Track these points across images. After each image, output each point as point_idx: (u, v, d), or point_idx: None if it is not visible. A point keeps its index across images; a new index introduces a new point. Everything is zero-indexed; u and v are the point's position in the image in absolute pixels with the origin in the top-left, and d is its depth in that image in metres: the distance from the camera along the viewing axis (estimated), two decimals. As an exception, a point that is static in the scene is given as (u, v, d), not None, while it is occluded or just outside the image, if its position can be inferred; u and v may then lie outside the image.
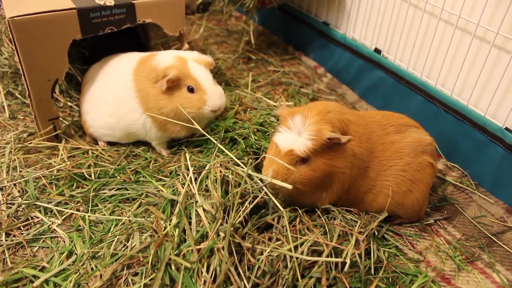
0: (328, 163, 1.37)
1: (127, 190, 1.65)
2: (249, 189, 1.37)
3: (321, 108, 1.40)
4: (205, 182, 1.42)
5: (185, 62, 1.68)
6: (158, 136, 1.78)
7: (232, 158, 1.49)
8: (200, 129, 1.61)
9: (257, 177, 1.39)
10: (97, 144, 1.91)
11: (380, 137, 1.50)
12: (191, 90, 1.67)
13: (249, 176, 1.40)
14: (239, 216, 1.30)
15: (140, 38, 2.39)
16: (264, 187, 1.37)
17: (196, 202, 1.35)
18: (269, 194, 1.36)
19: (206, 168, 1.45)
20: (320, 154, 1.35)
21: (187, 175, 1.47)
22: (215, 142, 1.54)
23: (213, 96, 1.69)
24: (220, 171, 1.43)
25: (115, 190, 1.65)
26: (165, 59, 1.69)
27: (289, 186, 1.32)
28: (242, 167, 1.45)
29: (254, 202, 1.34)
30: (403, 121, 1.56)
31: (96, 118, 1.81)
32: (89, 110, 1.83)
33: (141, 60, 1.75)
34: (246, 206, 1.33)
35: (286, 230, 1.31)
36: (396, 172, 1.48)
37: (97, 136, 1.87)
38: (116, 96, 1.75)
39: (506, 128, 1.69)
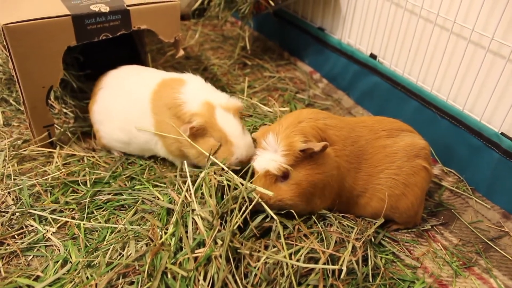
0: (310, 173, 1.36)
1: (122, 195, 1.64)
2: (244, 197, 1.36)
3: (291, 120, 1.40)
4: (201, 190, 1.42)
5: (213, 110, 1.58)
6: (170, 158, 1.75)
7: (227, 168, 1.48)
8: (220, 164, 1.51)
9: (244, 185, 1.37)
10: (109, 152, 1.89)
11: (371, 141, 1.50)
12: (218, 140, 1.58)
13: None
14: (236, 222, 1.29)
15: (134, 43, 2.38)
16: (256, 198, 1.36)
17: (193, 210, 1.34)
18: (262, 203, 1.34)
19: (201, 175, 1.44)
20: (300, 166, 1.36)
21: (184, 183, 1.45)
22: (207, 154, 1.52)
23: (241, 147, 1.57)
24: (215, 178, 1.42)
25: (111, 196, 1.64)
26: (193, 102, 1.59)
27: (270, 193, 1.33)
28: (236, 177, 1.42)
29: (249, 208, 1.32)
30: (396, 125, 1.56)
31: (109, 131, 1.78)
32: (102, 121, 1.79)
33: (163, 83, 1.68)
34: (243, 213, 1.32)
35: (280, 237, 1.30)
36: (389, 176, 1.49)
37: (110, 147, 1.85)
38: (131, 114, 1.69)
39: (502, 133, 1.70)
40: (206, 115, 1.56)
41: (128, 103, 1.71)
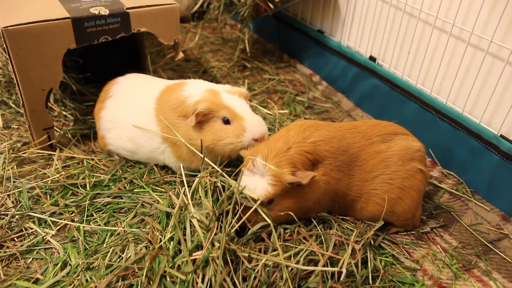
0: (296, 201, 1.39)
1: (122, 198, 1.64)
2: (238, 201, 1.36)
3: (280, 146, 1.38)
4: (197, 193, 1.42)
5: (217, 93, 1.57)
6: (176, 166, 1.72)
7: (222, 170, 1.48)
8: (198, 153, 1.54)
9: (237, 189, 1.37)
10: (109, 154, 1.89)
11: (364, 148, 1.50)
12: (226, 121, 1.53)
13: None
14: (232, 225, 1.30)
15: (134, 46, 2.39)
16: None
17: (190, 213, 1.35)
18: (259, 209, 1.34)
19: (197, 178, 1.44)
20: (285, 195, 1.36)
21: (182, 187, 1.46)
22: (201, 155, 1.52)
23: (253, 122, 1.53)
24: (210, 180, 1.42)
25: (110, 199, 1.64)
26: (195, 93, 1.57)
27: (255, 196, 1.34)
28: (230, 180, 1.42)
29: (245, 217, 1.32)
30: (389, 129, 1.56)
31: (116, 139, 1.77)
32: (109, 129, 1.78)
33: (167, 89, 1.67)
34: (239, 219, 1.32)
35: (275, 240, 1.30)
36: (384, 180, 1.49)
37: (116, 153, 1.85)
38: (136, 123, 1.69)
39: (501, 136, 1.70)
40: (210, 98, 1.54)
41: (135, 114, 1.70)
